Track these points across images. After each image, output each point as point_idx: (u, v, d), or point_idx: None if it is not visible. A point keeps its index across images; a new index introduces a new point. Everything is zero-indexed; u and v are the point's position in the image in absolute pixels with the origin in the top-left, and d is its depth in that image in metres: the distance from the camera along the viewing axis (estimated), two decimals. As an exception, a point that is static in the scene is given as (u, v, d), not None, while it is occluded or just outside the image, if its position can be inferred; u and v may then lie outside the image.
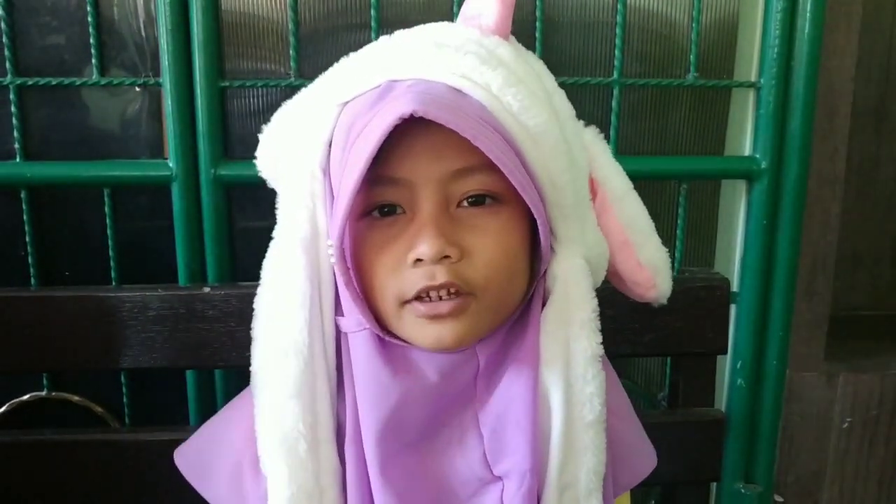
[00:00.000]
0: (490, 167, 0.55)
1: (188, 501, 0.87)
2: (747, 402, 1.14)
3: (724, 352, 1.05)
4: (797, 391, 1.26)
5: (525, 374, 0.60)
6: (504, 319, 0.61)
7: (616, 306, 0.99)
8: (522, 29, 1.05)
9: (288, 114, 0.66)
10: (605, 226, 0.67)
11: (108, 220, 1.04)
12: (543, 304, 0.63)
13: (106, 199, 1.03)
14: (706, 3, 1.11)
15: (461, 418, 0.62)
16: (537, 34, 1.03)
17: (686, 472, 1.07)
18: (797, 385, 1.26)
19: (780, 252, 1.10)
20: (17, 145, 1.02)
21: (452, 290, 0.56)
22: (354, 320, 0.61)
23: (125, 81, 1.04)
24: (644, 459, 0.75)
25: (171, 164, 1.00)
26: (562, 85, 1.04)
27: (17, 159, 1.03)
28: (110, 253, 1.05)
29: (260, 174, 0.69)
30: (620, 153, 1.07)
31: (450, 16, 1.03)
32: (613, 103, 1.07)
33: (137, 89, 1.08)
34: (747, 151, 1.10)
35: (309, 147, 0.63)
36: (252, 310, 0.66)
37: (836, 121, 1.19)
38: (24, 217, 1.03)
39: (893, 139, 1.48)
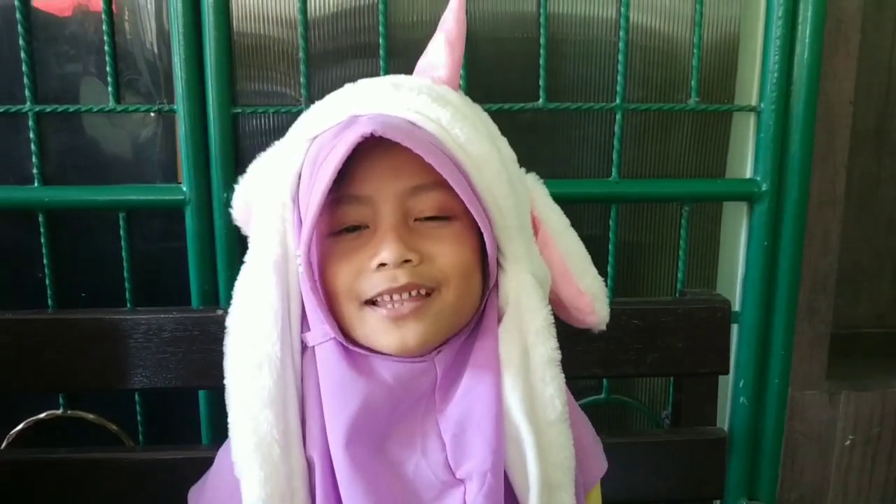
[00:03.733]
0: (442, 185, 0.62)
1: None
2: (750, 421, 1.15)
3: (726, 372, 1.07)
4: (799, 409, 1.27)
5: (485, 381, 0.65)
6: (459, 328, 0.67)
7: (620, 327, 1.01)
8: (528, 57, 1.07)
9: (262, 162, 0.73)
10: (548, 258, 0.73)
11: (123, 243, 1.06)
12: (499, 319, 0.68)
13: (121, 222, 1.06)
14: (706, 30, 1.14)
15: (423, 426, 0.67)
16: (541, 61, 1.06)
17: (690, 490, 1.08)
18: (799, 403, 1.27)
19: (781, 272, 1.12)
20: (35, 170, 1.05)
21: (414, 292, 0.62)
22: (321, 331, 0.67)
23: (140, 108, 1.07)
24: (598, 462, 0.78)
25: (184, 189, 1.03)
26: (566, 110, 1.08)
27: (35, 184, 1.05)
28: (125, 275, 1.08)
29: (235, 222, 0.76)
30: (623, 176, 1.09)
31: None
32: (616, 127, 1.09)
33: (152, 115, 1.11)
34: (748, 174, 1.13)
35: (281, 179, 0.69)
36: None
37: (835, 143, 1.21)
38: (42, 240, 1.06)
39: (893, 159, 1.49)
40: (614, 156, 1.09)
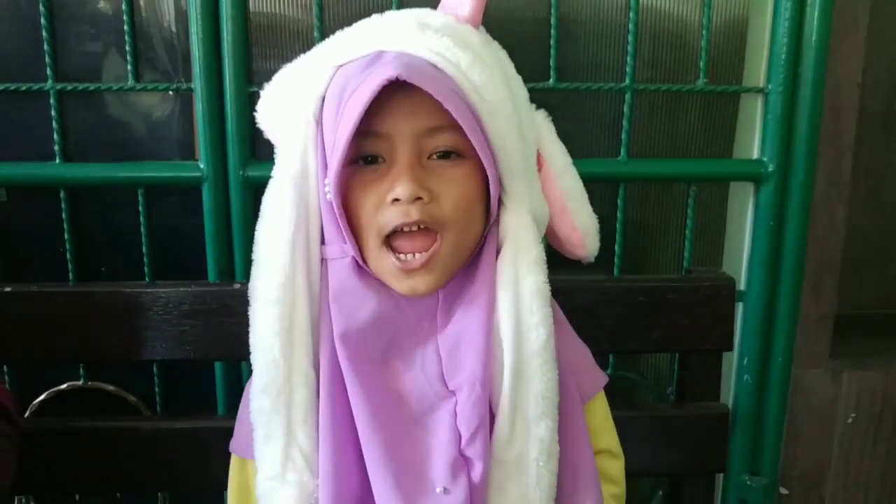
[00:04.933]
0: (456, 127, 0.66)
1: (216, 486, 0.93)
2: (753, 398, 1.17)
3: (730, 349, 1.09)
4: (802, 387, 1.29)
5: (480, 305, 0.71)
6: (463, 262, 0.72)
7: (626, 304, 1.03)
8: (539, 37, 1.09)
9: (286, 75, 0.77)
10: (548, 193, 0.79)
11: (141, 219, 1.09)
12: (497, 251, 0.73)
13: (140, 198, 1.08)
14: (715, 12, 1.15)
15: (424, 345, 0.72)
16: (552, 41, 1.07)
17: (693, 465, 1.10)
18: (802, 381, 1.28)
19: (786, 252, 1.14)
20: (56, 147, 1.07)
21: (423, 227, 0.68)
22: (338, 249, 0.72)
23: (159, 87, 1.09)
24: (594, 377, 0.82)
25: (201, 166, 1.05)
26: (576, 90, 1.10)
27: (57, 161, 1.08)
28: (144, 250, 1.10)
29: (259, 125, 0.80)
30: (632, 156, 1.11)
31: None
32: (625, 108, 1.10)
33: (170, 94, 1.13)
34: (755, 155, 1.14)
35: (305, 100, 0.73)
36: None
37: (842, 125, 1.22)
38: (63, 216, 1.09)
39: (902, 141, 1.50)
40: (623, 136, 1.11)
